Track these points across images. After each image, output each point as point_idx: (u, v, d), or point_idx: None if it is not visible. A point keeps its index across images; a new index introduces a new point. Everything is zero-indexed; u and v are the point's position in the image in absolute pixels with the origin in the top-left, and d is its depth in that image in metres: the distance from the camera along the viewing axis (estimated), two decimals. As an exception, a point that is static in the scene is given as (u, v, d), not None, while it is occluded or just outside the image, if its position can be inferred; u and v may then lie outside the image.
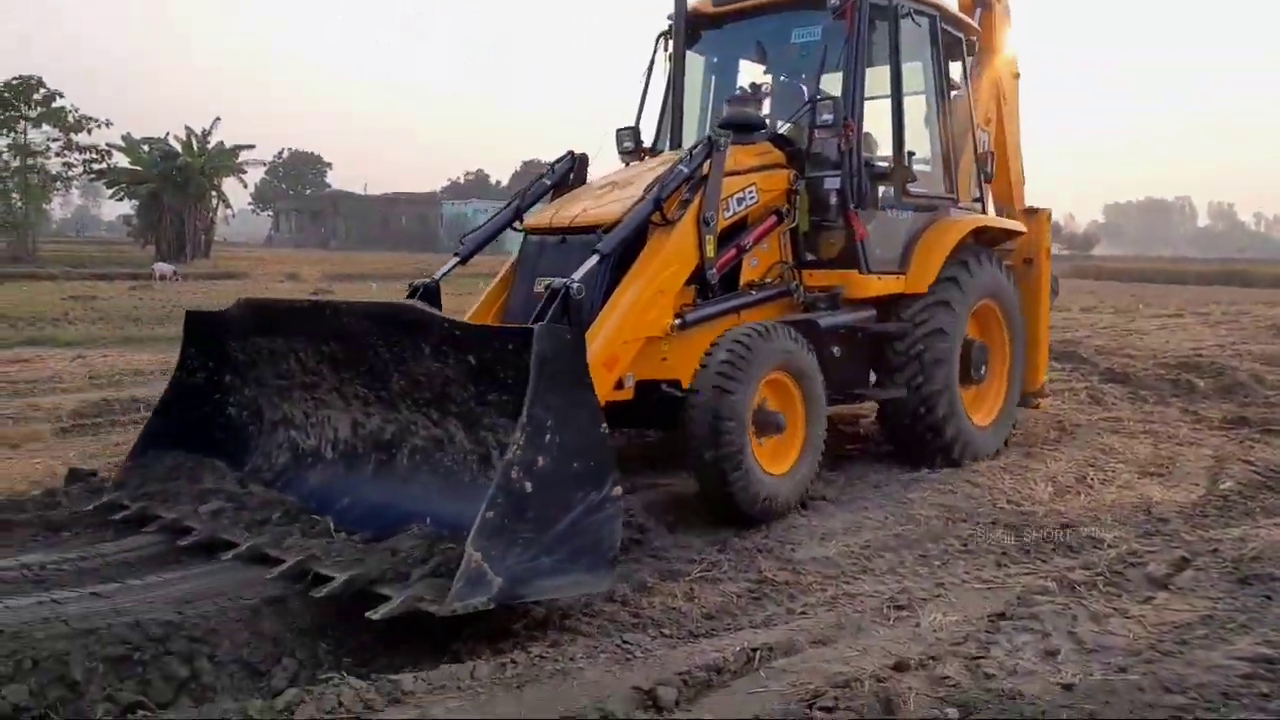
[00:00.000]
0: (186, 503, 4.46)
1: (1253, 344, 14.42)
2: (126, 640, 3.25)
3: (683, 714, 2.97)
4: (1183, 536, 4.90)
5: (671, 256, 4.99)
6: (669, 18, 6.15)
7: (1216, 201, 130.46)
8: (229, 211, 41.29)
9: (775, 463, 5.01)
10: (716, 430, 4.62)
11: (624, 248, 4.84)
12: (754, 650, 3.35)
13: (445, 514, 3.80)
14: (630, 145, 6.46)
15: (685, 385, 4.84)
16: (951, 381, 6.17)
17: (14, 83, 34.31)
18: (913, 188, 6.23)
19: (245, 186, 45.61)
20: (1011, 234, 7.13)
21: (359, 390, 4.43)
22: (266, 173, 74.57)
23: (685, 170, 5.09)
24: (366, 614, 3.22)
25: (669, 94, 6.30)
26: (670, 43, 6.13)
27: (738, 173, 5.44)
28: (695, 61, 6.74)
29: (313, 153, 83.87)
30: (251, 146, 40.31)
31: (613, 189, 5.47)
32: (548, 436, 3.46)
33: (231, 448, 4.97)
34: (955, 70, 6.86)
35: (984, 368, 6.65)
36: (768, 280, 5.72)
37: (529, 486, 3.40)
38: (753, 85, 6.73)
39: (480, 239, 5.76)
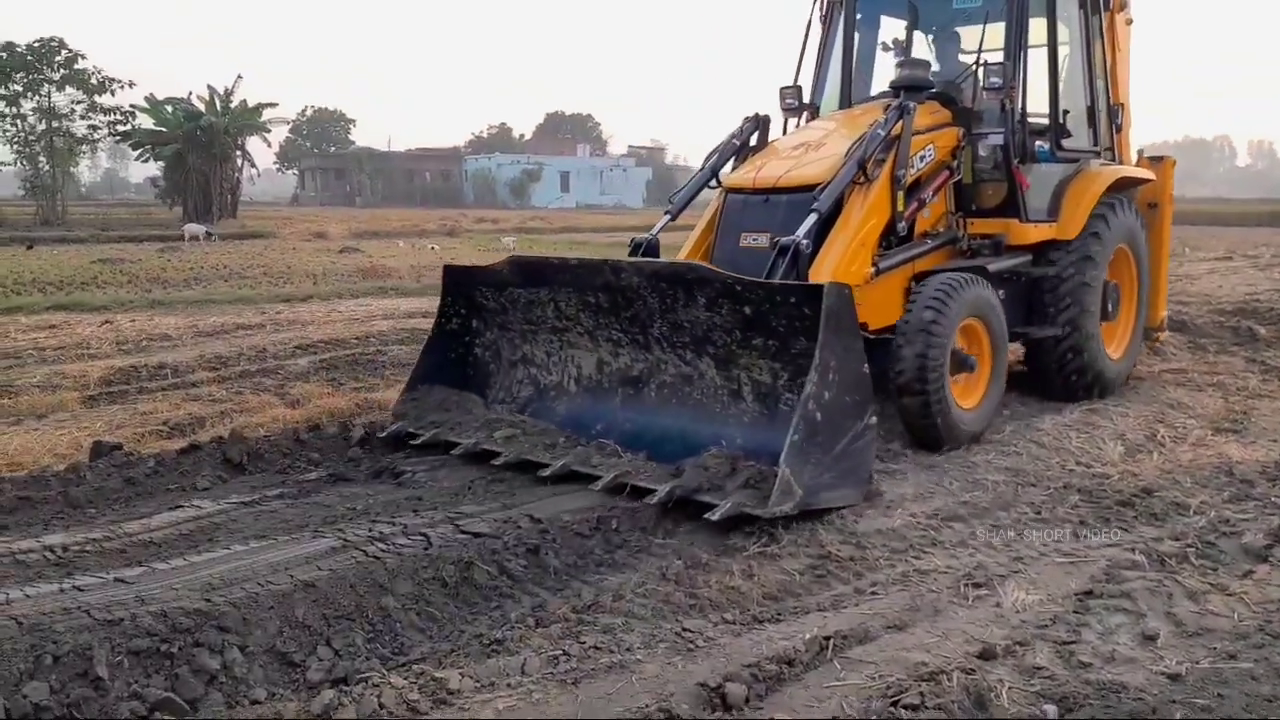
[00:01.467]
0: (475, 430, 5.19)
1: (1312, 288, 13.86)
2: (153, 632, 3.03)
3: (753, 713, 2.71)
4: (1275, 501, 4.55)
5: (871, 211, 5.47)
6: None
7: (1257, 140, 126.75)
8: (254, 171, 40.83)
9: (967, 398, 5.59)
10: (923, 371, 5.15)
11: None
12: (826, 638, 3.08)
13: (711, 437, 4.55)
14: (794, 103, 6.74)
15: (871, 328, 5.36)
16: (1095, 322, 6.58)
17: (36, 45, 34.02)
18: (1065, 142, 6.59)
19: (269, 145, 45.11)
20: (1142, 181, 7.37)
21: (613, 334, 5.16)
22: (290, 131, 74.18)
23: (882, 133, 5.50)
24: (706, 515, 4.01)
25: (822, 52, 6.89)
26: (826, 4, 6.84)
27: (920, 132, 5.83)
28: (838, 18, 7.07)
29: (336, 110, 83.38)
30: (275, 104, 39.99)
31: (806, 150, 5.85)
32: (831, 375, 4.15)
33: (478, 383, 5.78)
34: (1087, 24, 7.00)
35: (1117, 306, 7.01)
36: (939, 229, 6.13)
37: (819, 416, 4.12)
38: (895, 40, 7.17)
39: (684, 198, 6.35)
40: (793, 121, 6.79)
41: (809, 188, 5.41)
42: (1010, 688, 2.79)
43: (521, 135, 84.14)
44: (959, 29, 6.89)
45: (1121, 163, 7.36)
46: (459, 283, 5.87)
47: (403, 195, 64.12)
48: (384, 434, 5.42)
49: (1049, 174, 6.55)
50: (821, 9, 6.93)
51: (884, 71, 7.12)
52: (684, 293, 4.69)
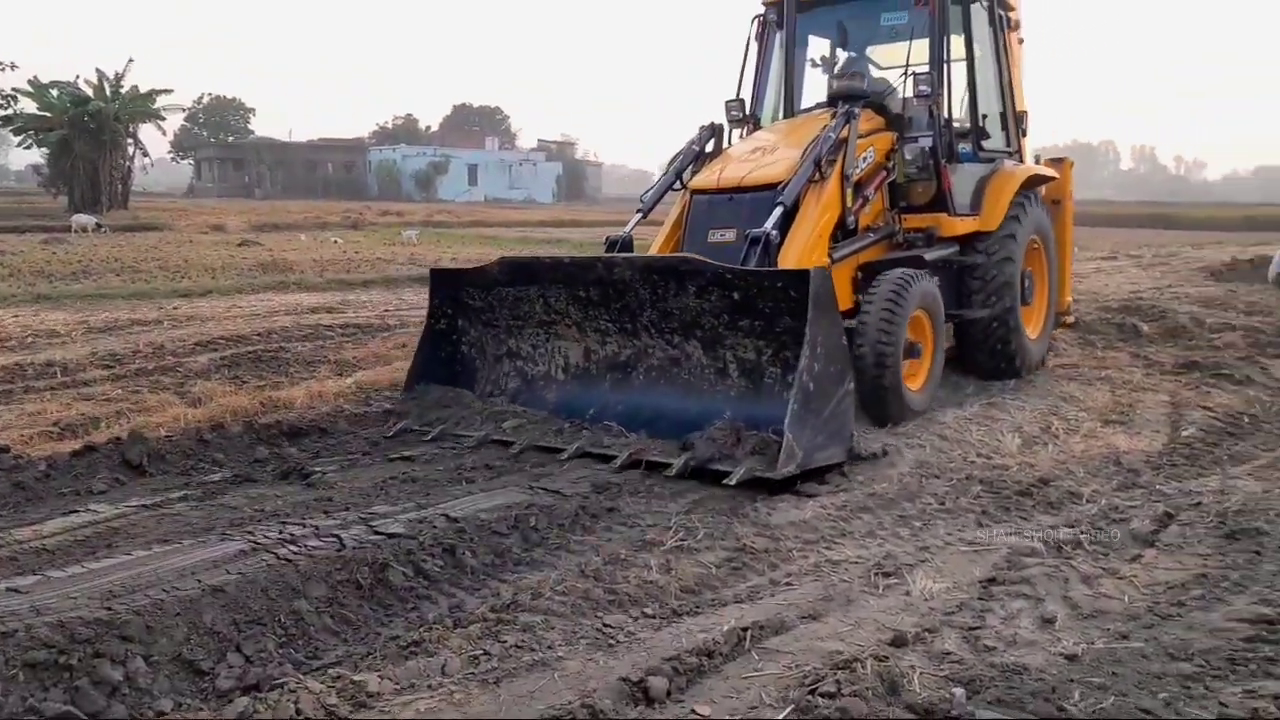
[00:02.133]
0: (483, 423, 5.54)
1: (1188, 286, 14.65)
2: (50, 643, 2.90)
3: (675, 705, 2.73)
4: (1159, 489, 4.80)
5: (825, 207, 6.07)
6: (765, 3, 7.57)
7: (1139, 145, 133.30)
8: (147, 160, 39.28)
9: (914, 381, 6.21)
10: (881, 360, 5.74)
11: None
12: (744, 630, 3.12)
13: (700, 412, 5.05)
14: (738, 114, 7.42)
15: None
16: (1017, 303, 7.26)
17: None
18: (985, 144, 7.41)
19: (164, 134, 43.47)
20: (1047, 179, 8.13)
21: (601, 324, 5.60)
22: (186, 119, 71.49)
23: (833, 136, 6.13)
24: (724, 480, 4.49)
25: (759, 68, 7.56)
26: (761, 26, 7.53)
27: (861, 136, 6.45)
28: (774, 38, 7.71)
29: (235, 98, 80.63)
30: (169, 91, 38.39)
31: (761, 154, 6.43)
32: (819, 349, 4.69)
33: (467, 379, 6.16)
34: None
35: (1033, 292, 7.79)
36: (879, 224, 6.74)
37: (811, 386, 4.67)
38: (823, 57, 7.87)
39: (654, 198, 6.90)
40: (737, 131, 7.42)
41: (769, 186, 5.98)
42: (921, 673, 2.88)
43: (428, 127, 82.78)
44: (875, 48, 7.66)
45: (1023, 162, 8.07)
46: (445, 284, 6.23)
47: (304, 187, 62.45)
48: (391, 434, 5.61)
49: (971, 173, 7.24)
50: (758, 31, 7.59)
51: (812, 85, 7.88)
52: (675, 283, 5.16)
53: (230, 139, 73.35)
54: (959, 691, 2.80)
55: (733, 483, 4.47)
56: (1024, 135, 8.08)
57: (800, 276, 4.76)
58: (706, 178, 6.44)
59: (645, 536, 4.02)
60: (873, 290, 5.95)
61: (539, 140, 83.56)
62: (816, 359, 4.68)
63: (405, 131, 79.85)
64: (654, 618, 3.31)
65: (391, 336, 8.85)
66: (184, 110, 55.54)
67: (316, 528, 3.85)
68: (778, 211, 5.70)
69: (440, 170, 64.98)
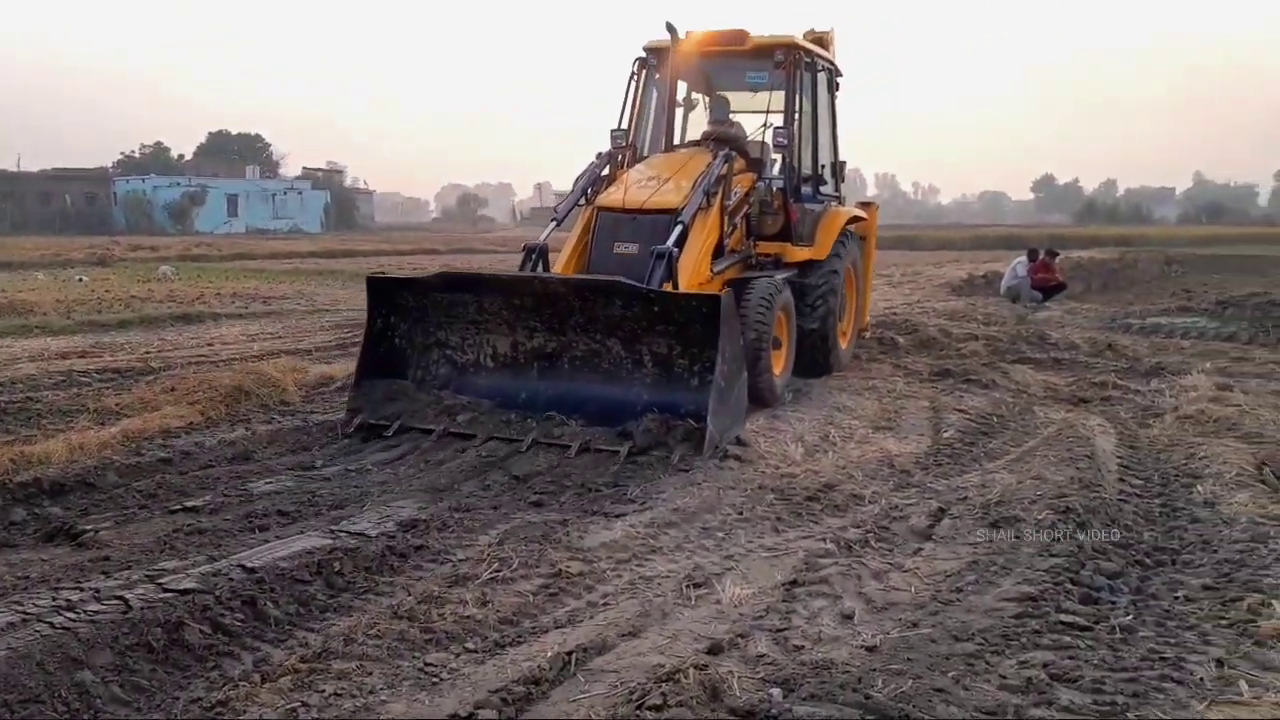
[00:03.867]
0: (437, 416, 6.19)
1: (934, 301, 16.09)
2: None
3: (507, 737, 2.71)
4: (930, 486, 5.25)
5: (709, 231, 7.33)
6: (645, 50, 8.65)
7: (881, 171, 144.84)
8: None
9: (777, 367, 7.57)
10: (757, 350, 7.05)
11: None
12: (568, 654, 3.15)
13: (621, 396, 6.06)
14: (622, 143, 8.44)
15: None
16: (836, 317, 8.79)
17: None
18: (822, 188, 9.11)
19: None
20: (860, 220, 9.87)
21: (530, 323, 6.34)
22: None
23: (716, 173, 7.36)
24: (669, 459, 5.54)
25: (638, 105, 8.62)
26: (643, 70, 8.62)
27: (733, 175, 7.71)
28: (653, 79, 8.81)
29: (-53, 122, 72.16)
30: None
31: (658, 182, 7.51)
32: (727, 353, 5.82)
33: (401, 368, 6.70)
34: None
35: (845, 311, 9.37)
36: (739, 249, 8.04)
37: (723, 384, 5.80)
38: (687, 99, 9.30)
39: (565, 210, 7.85)
40: (619, 156, 8.54)
41: (667, 210, 7.07)
42: (739, 677, 3.01)
43: (181, 155, 77.36)
44: (725, 94, 9.10)
45: (843, 204, 9.85)
46: (380, 289, 6.83)
47: (39, 221, 56.67)
48: (350, 430, 6.22)
49: (809, 211, 8.81)
50: (636, 73, 8.67)
51: (681, 120, 9.37)
52: (605, 298, 6.06)
53: (-57, 168, 65.50)
54: (776, 691, 2.96)
55: (674, 462, 5.52)
56: (842, 180, 9.84)
57: (713, 300, 5.83)
58: (612, 198, 7.46)
59: (458, 571, 3.96)
60: (747, 296, 7.21)
61: (304, 168, 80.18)
62: (726, 362, 5.82)
63: (155, 160, 74.25)
64: (476, 652, 3.27)
65: (158, 380, 8.19)
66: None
67: (96, 590, 3.52)
68: (678, 230, 6.77)
69: (196, 201, 60.83)
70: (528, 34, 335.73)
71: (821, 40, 9.77)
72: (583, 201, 7.88)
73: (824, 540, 4.36)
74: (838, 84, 9.66)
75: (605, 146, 8.40)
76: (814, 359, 8.60)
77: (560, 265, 7.43)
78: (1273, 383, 8.52)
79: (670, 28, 8.27)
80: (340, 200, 72.77)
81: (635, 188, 7.49)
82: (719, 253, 7.57)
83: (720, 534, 4.52)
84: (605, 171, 8.15)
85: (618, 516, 4.66)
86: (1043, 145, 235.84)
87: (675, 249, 6.63)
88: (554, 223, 7.78)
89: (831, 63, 9.43)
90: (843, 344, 9.23)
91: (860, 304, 10.00)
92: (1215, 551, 4.29)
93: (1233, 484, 5.18)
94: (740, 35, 8.53)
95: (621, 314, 6.04)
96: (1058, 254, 18.10)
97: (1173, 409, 7.31)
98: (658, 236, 6.76)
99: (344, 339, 11.03)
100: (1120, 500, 5.05)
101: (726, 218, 7.55)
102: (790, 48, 8.43)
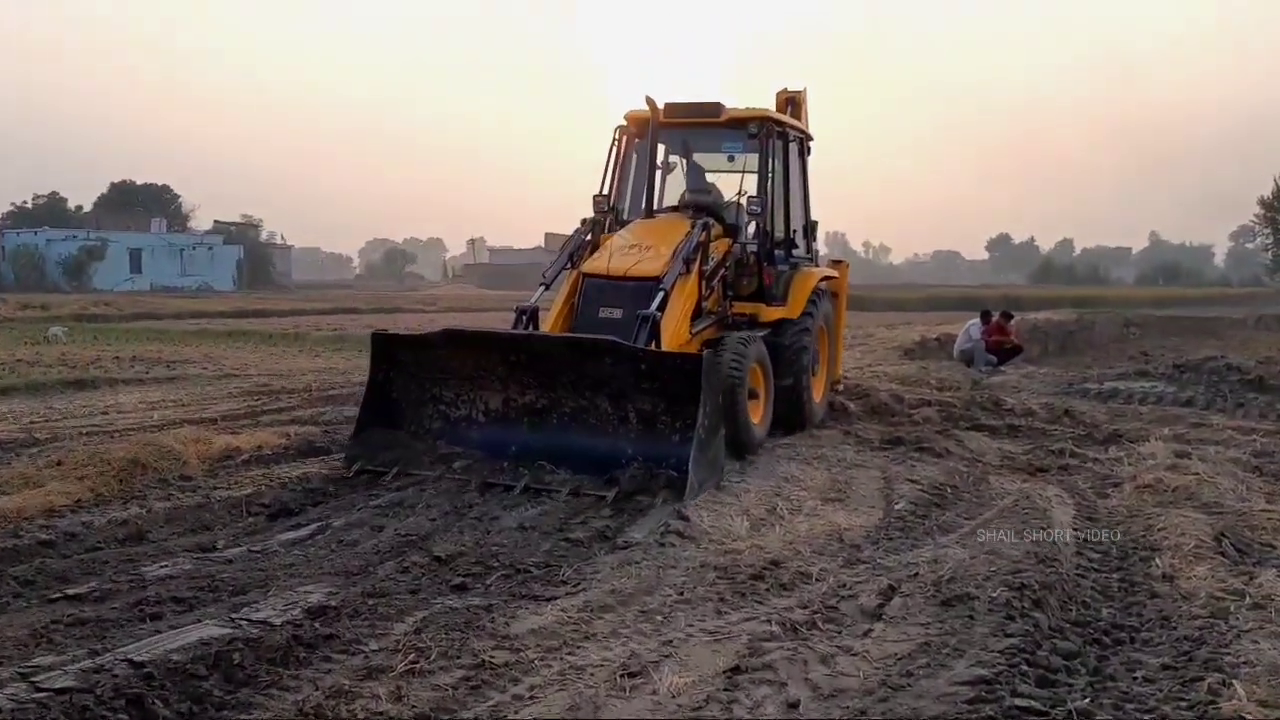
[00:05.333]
0: (434, 464, 7.01)
1: (885, 364, 16.38)
2: None
3: None
4: (880, 562, 5.29)
5: (688, 296, 8.28)
6: (626, 119, 9.63)
7: (831, 230, 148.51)
8: None
9: (755, 416, 8.35)
10: (734, 401, 7.67)
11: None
12: (490, 754, 3.08)
13: (608, 448, 6.84)
14: (605, 208, 9.44)
15: None
16: (809, 373, 9.66)
17: None
18: (794, 251, 10.08)
19: None
20: (832, 278, 10.84)
21: (523, 379, 7.17)
22: None
23: (695, 241, 8.29)
24: (653, 501, 6.36)
25: (619, 170, 9.66)
26: (625, 138, 9.64)
27: (711, 241, 8.69)
28: (633, 146, 9.73)
29: None
30: None
31: (640, 250, 8.36)
32: (708, 409, 6.63)
33: (396, 420, 7.54)
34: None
35: (818, 366, 10.20)
36: (716, 310, 8.90)
37: (703, 436, 6.61)
38: (665, 163, 10.11)
39: (552, 275, 8.76)
40: (602, 219, 9.48)
41: (649, 278, 7.92)
42: (676, 775, 2.97)
43: (79, 207, 76.09)
44: (699, 157, 10.14)
45: (816, 262, 10.79)
46: (382, 345, 7.71)
47: (-88, 278, 55.09)
48: (350, 474, 6.99)
49: (781, 272, 9.71)
50: (617, 141, 9.62)
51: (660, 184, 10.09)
52: (595, 357, 6.89)
53: None
54: (715, 789, 2.92)
55: (657, 505, 6.26)
56: (814, 240, 10.81)
57: (695, 359, 6.83)
58: (597, 264, 8.34)
59: (371, 663, 3.87)
60: (722, 350, 7.96)
61: (216, 221, 79.34)
62: (707, 416, 6.61)
63: (50, 212, 72.93)
64: (389, 753, 3.18)
65: (43, 453, 7.93)
66: None
67: (-41, 692, 3.36)
68: (660, 297, 7.63)
69: (95, 256, 59.69)
70: (461, 83, 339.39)
71: (795, 100, 10.66)
72: (569, 266, 8.80)
73: (769, 622, 4.35)
74: (809, 148, 10.60)
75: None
76: (790, 413, 9.30)
77: (548, 326, 8.22)
78: (1231, 450, 8.79)
79: (650, 101, 8.95)
80: (255, 256, 72.08)
81: (619, 255, 8.37)
82: (697, 314, 8.46)
83: (659, 617, 4.49)
84: (588, 238, 9.10)
85: (549, 600, 4.60)
86: (998, 203, 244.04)
87: (658, 314, 7.51)
88: (542, 286, 8.75)
89: (803, 131, 10.40)
90: (816, 398, 10.05)
91: (833, 357, 10.92)
92: (1174, 629, 4.38)
93: (1191, 556, 5.31)
94: (716, 108, 9.43)
95: (611, 372, 6.85)
96: (1013, 315, 18.60)
97: (1131, 478, 7.50)
98: (640, 301, 7.65)
99: (254, 406, 10.83)
100: (1078, 575, 5.15)
101: (704, 281, 8.48)
102: (763, 120, 9.38)
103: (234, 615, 4.25)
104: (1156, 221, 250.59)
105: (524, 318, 8.24)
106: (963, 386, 13.46)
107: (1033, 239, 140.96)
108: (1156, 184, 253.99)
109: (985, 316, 17.39)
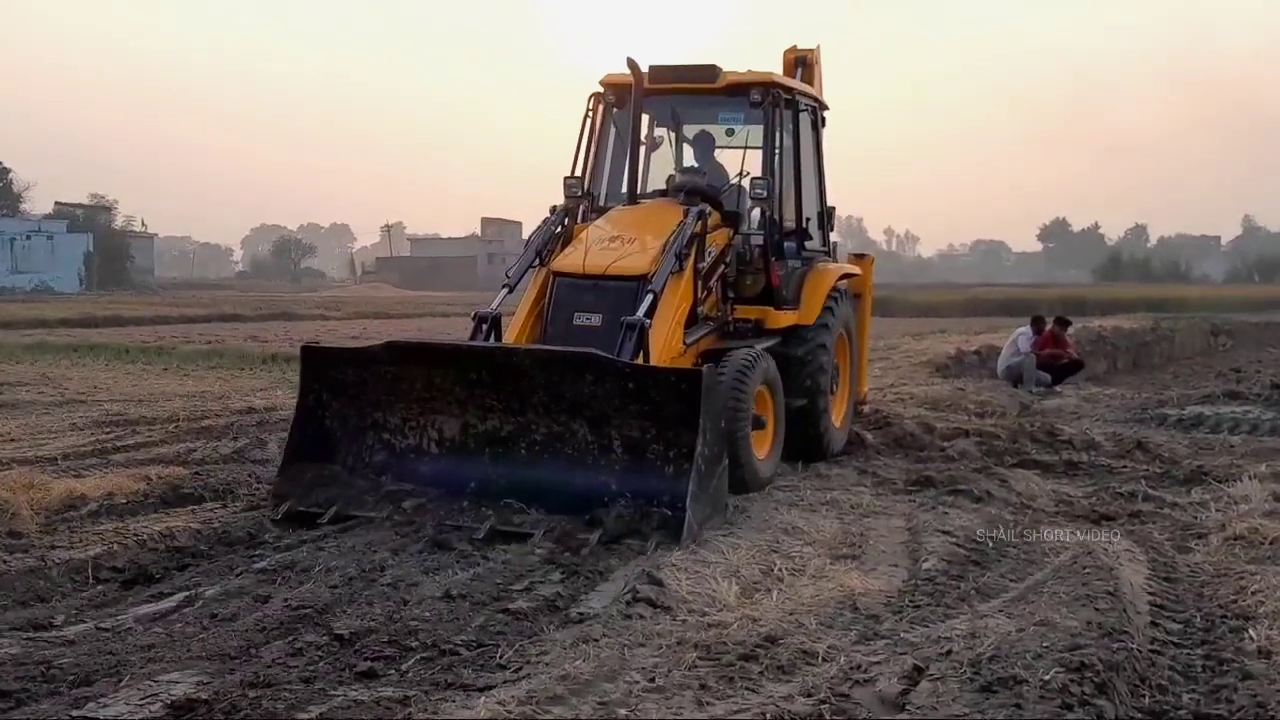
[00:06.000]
0: (379, 504, 7.21)
1: (912, 384, 16.50)
2: None
3: None
4: (904, 637, 5.32)
5: (682, 298, 8.49)
6: (603, 85, 9.87)
7: (845, 215, 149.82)
8: None
9: (761, 449, 8.59)
10: (733, 434, 7.77)
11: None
12: None
13: (586, 484, 7.09)
14: (578, 192, 9.63)
15: None
16: (827, 392, 9.94)
17: None
18: (806, 243, 10.22)
19: None
20: (853, 275, 11.08)
21: (484, 400, 7.37)
22: None
23: (689, 232, 8.45)
24: (642, 548, 6.61)
25: (597, 149, 9.91)
26: (603, 108, 9.86)
27: (708, 232, 8.85)
28: (610, 118, 9.99)
29: None
30: None
31: (621, 243, 8.62)
32: (708, 435, 6.87)
33: (331, 452, 7.76)
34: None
35: (838, 382, 10.46)
36: (715, 314, 9.19)
37: (703, 467, 6.86)
38: (653, 138, 10.49)
39: (518, 274, 8.94)
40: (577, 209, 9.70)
41: (634, 277, 8.13)
42: None
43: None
44: (709, 128, 10.29)
45: (834, 256, 10.99)
46: (314, 360, 7.96)
47: None
48: (278, 516, 7.16)
49: (792, 269, 9.89)
50: (592, 112, 9.79)
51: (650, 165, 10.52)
52: (575, 372, 7.08)
53: None
54: None
55: (649, 552, 6.47)
56: (831, 230, 11.07)
57: (694, 375, 6.95)
58: (570, 261, 8.57)
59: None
60: (722, 367, 8.02)
61: (57, 203, 78.86)
62: (707, 444, 6.82)
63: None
64: None
65: None
66: None
67: None
68: (648, 300, 7.82)
69: (-101, 247, 59.32)
70: (374, 38, 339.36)
71: (806, 60, 11.00)
72: (537, 263, 8.98)
73: (764, 716, 4.36)
74: (824, 119, 10.83)
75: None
76: (803, 441, 9.56)
77: (512, 336, 8.47)
78: (1343, 491, 8.91)
79: (632, 63, 9.15)
80: (107, 247, 71.68)
81: (596, 249, 8.57)
82: (692, 320, 8.68)
83: (623, 710, 4.48)
84: (559, 229, 9.29)
85: (482, 690, 4.59)
86: (1053, 182, 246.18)
87: (647, 320, 7.67)
88: (506, 289, 8.88)
89: (816, 98, 10.65)
90: (836, 422, 10.27)
91: (856, 372, 11.18)
92: (1273, 717, 4.42)
93: (1294, 626, 5.38)
94: (711, 71, 9.51)
95: (591, 391, 7.03)
96: (1071, 323, 18.80)
97: (1219, 527, 7.60)
98: (624, 305, 7.88)
99: (104, 442, 10.75)
100: (1153, 652, 5.19)
101: (700, 281, 8.69)
102: (768, 85, 9.52)
103: (75, 713, 4.23)
104: (1251, 204, 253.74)
105: (484, 326, 8.35)
106: (1009, 412, 13.59)
107: (1097, 226, 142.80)
108: (1250, 158, 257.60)
109: (1037, 324, 17.56)
